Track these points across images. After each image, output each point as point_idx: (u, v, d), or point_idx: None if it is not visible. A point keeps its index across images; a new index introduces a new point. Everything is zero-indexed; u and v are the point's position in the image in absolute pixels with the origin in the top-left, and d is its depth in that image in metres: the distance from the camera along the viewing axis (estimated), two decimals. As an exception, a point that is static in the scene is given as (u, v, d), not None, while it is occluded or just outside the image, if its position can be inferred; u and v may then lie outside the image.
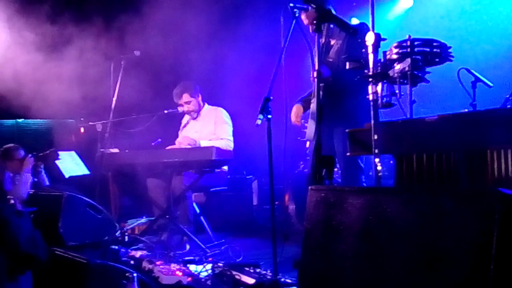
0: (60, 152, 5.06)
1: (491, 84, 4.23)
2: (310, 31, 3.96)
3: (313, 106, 4.02)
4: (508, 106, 3.93)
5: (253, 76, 5.96)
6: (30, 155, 4.35)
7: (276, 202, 5.76)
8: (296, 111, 4.30)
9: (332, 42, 4.16)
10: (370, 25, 2.91)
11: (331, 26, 4.06)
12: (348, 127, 3.59)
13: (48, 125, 6.45)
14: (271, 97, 3.35)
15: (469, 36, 5.76)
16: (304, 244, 2.45)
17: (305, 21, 4.09)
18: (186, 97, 5.53)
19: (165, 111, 5.48)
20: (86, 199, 4.28)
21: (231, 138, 5.48)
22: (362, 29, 3.70)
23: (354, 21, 5.15)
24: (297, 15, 3.64)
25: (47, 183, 4.63)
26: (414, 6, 6.60)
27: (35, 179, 4.36)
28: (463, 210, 1.77)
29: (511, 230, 1.66)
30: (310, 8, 3.68)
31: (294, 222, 5.72)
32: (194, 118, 5.65)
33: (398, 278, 1.92)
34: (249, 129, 3.91)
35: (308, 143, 4.57)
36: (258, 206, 6.52)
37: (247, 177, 6.40)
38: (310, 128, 4.11)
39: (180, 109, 5.53)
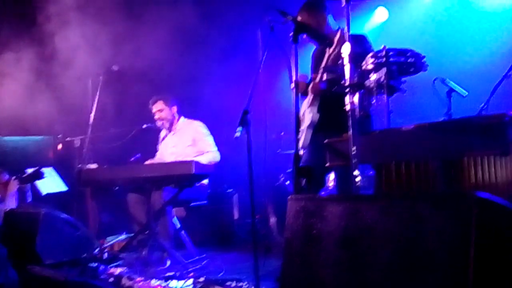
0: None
1: (465, 93, 4.29)
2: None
3: (311, 115, 3.86)
4: (482, 113, 3.98)
5: (232, 89, 5.97)
6: (14, 178, 4.26)
7: (257, 216, 5.75)
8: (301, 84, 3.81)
9: (330, 50, 3.98)
10: (346, 37, 2.94)
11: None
12: None
13: (25, 143, 6.35)
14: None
15: (444, 47, 5.84)
16: (284, 254, 2.45)
17: None
18: (160, 104, 5.56)
19: (144, 126, 5.48)
20: (64, 215, 4.22)
21: (216, 148, 5.49)
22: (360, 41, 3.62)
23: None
24: (273, 29, 3.65)
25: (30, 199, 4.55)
26: (389, 19, 6.67)
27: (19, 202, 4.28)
28: (441, 215, 1.78)
29: (488, 232, 1.68)
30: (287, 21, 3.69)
31: (276, 235, 5.71)
32: (169, 131, 5.66)
33: (379, 285, 1.92)
34: (229, 142, 3.89)
35: (301, 151, 4.28)
36: (239, 219, 6.48)
37: (228, 190, 6.36)
38: (306, 136, 3.87)
39: (158, 123, 5.53)
